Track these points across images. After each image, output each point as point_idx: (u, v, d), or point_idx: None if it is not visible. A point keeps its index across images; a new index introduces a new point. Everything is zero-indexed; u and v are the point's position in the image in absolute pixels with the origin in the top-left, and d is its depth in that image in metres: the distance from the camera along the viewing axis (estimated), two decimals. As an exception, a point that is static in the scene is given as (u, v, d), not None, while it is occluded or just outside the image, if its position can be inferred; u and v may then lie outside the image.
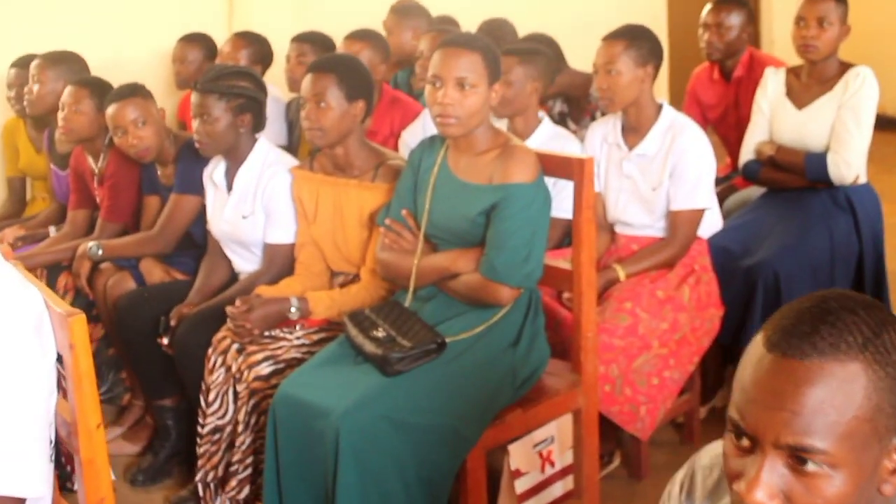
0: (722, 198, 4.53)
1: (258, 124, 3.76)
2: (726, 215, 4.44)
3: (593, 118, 4.57)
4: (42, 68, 4.64)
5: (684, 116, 3.72)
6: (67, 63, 4.74)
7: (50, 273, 4.25)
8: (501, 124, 3.98)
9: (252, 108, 3.70)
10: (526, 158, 3.04)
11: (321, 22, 5.72)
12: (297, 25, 5.67)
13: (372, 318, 3.10)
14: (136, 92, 4.07)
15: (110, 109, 4.03)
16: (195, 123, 3.68)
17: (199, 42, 5.28)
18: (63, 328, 2.02)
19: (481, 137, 3.12)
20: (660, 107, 3.69)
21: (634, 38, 3.62)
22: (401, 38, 5.27)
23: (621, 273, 3.60)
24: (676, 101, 5.03)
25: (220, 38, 5.36)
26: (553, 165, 3.13)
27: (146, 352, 3.85)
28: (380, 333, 3.02)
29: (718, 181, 4.62)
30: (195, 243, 4.13)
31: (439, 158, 3.19)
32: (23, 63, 4.82)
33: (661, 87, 7.81)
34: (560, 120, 4.76)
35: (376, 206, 3.39)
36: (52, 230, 4.65)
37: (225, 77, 3.67)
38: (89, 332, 4.18)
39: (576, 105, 4.72)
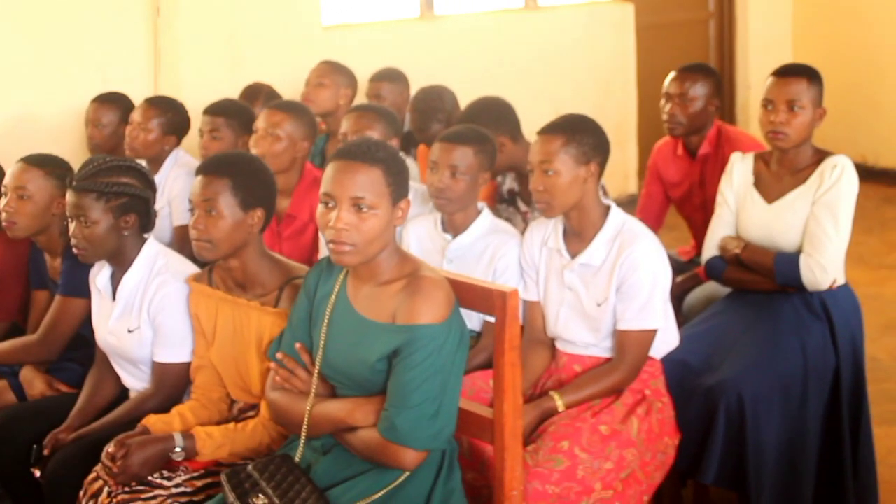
0: (684, 290, 4.08)
1: (145, 224, 3.29)
2: (688, 313, 3.98)
3: None
4: None
5: (635, 221, 3.23)
6: None
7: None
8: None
9: (137, 207, 3.23)
10: (435, 294, 2.55)
11: (259, 78, 5.30)
12: (233, 82, 5.26)
13: (254, 479, 2.61)
14: (41, 164, 3.64)
15: (14, 166, 3.64)
16: (72, 226, 3.21)
17: (115, 103, 4.79)
18: None
19: (384, 265, 2.64)
20: (607, 209, 3.22)
21: (574, 132, 3.15)
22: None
23: (560, 403, 3.11)
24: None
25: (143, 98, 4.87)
26: (470, 296, 2.65)
27: (20, 480, 3.39)
28: (260, 502, 2.54)
29: (681, 268, 4.16)
30: (86, 342, 3.64)
31: (337, 286, 2.71)
32: None
33: (630, 157, 7.42)
34: (509, 198, 4.28)
35: (278, 333, 2.90)
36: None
37: (104, 173, 3.19)
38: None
39: (528, 183, 4.23)
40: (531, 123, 4.16)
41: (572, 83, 6.95)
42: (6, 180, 3.64)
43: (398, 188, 2.60)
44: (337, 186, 2.55)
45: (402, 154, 3.42)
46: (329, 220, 2.55)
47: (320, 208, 2.59)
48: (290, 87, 5.42)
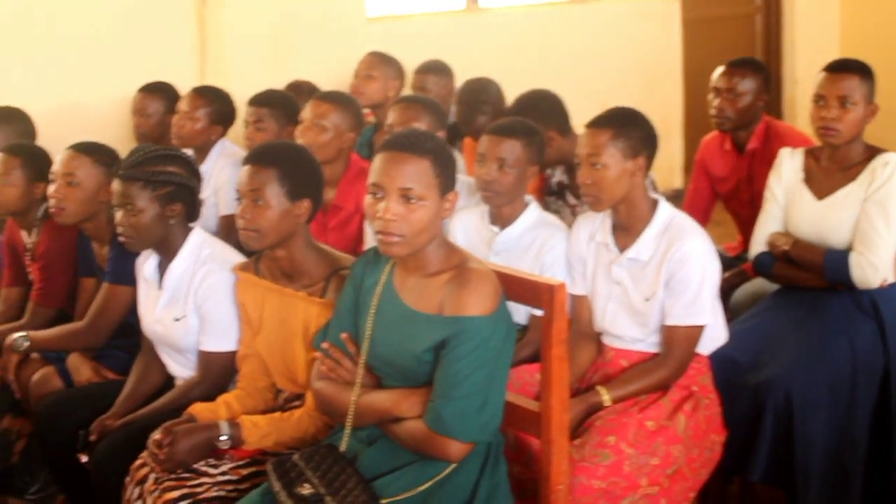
0: (731, 286, 4.03)
1: (191, 213, 3.30)
2: (735, 310, 3.94)
3: None
4: None
5: (684, 216, 3.20)
6: (11, 122, 4.36)
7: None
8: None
9: (183, 196, 3.24)
10: (483, 286, 2.53)
11: (304, 70, 5.31)
12: (278, 73, 5.28)
13: (300, 468, 2.61)
14: (90, 151, 3.67)
15: (63, 153, 3.67)
16: (118, 214, 3.22)
17: (160, 93, 4.83)
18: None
19: (432, 256, 2.62)
20: (655, 203, 3.19)
21: (623, 125, 3.12)
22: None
23: (606, 397, 3.09)
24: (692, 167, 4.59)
25: (189, 88, 4.89)
26: (518, 290, 2.64)
27: (67, 465, 3.43)
28: (306, 491, 2.53)
29: (729, 263, 4.12)
30: (133, 330, 3.66)
31: (384, 276, 2.70)
32: None
33: (676, 151, 7.35)
34: (559, 191, 4.26)
35: (324, 323, 2.90)
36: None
37: (150, 162, 3.20)
38: (18, 427, 3.88)
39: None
40: (575, 117, 4.16)
41: (617, 77, 6.91)
42: (55, 167, 3.67)
43: (446, 180, 2.59)
44: (385, 177, 2.54)
45: (447, 146, 3.43)
46: (377, 210, 2.55)
47: (368, 199, 2.58)
48: (334, 78, 5.43)
